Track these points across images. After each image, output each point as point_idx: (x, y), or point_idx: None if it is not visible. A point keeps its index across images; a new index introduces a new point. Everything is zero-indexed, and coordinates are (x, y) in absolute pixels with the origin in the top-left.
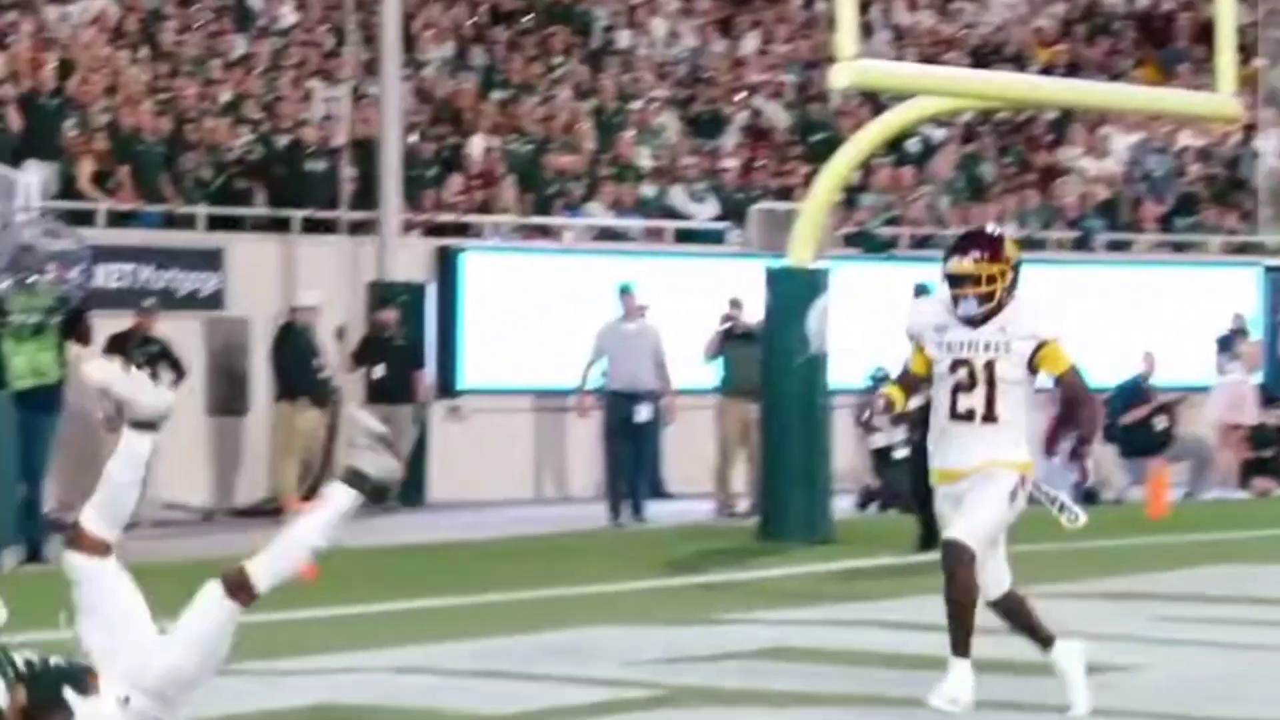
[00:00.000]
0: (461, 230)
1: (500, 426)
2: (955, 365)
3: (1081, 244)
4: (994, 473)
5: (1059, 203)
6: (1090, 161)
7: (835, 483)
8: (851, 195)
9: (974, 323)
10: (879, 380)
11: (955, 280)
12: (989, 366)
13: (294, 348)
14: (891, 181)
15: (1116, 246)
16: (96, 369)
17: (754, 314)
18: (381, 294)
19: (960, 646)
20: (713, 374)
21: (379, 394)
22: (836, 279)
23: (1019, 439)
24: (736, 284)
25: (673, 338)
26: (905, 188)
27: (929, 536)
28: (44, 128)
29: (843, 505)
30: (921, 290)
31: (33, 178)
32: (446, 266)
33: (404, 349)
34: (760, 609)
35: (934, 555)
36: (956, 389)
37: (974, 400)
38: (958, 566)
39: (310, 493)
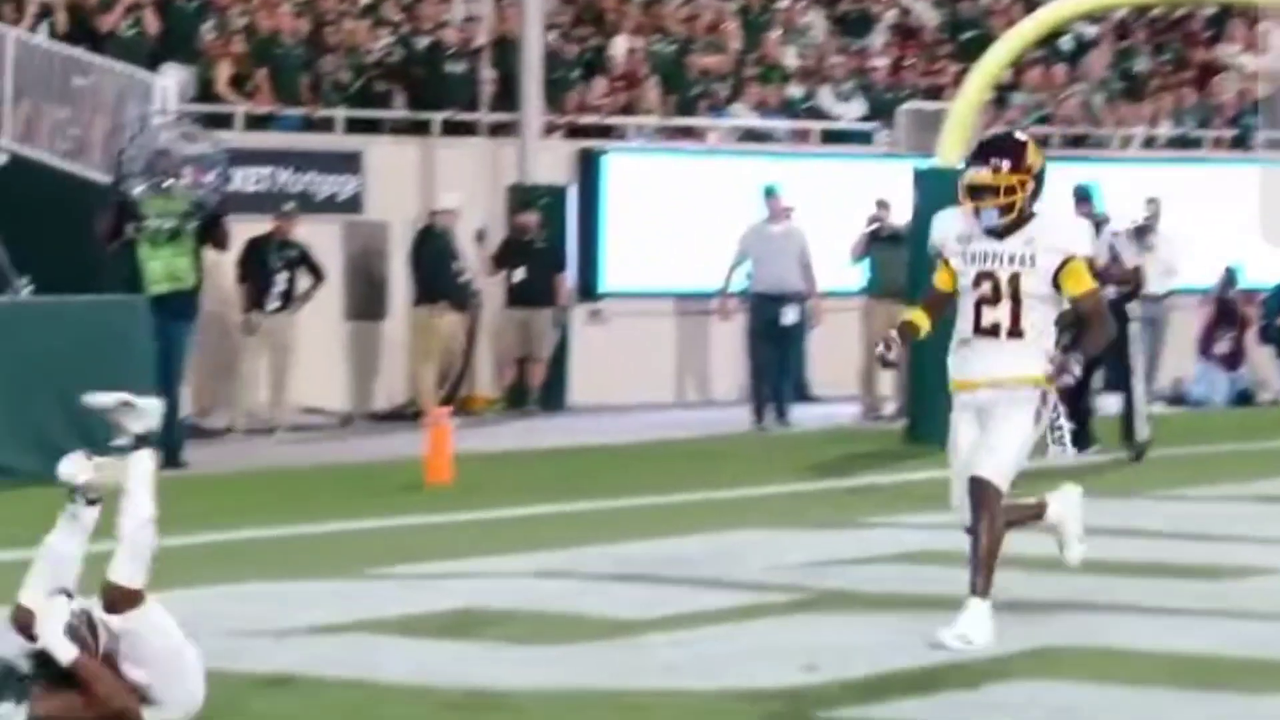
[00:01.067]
0: (604, 132)
1: (642, 330)
2: (979, 278)
3: (1239, 142)
4: (1016, 396)
5: (1216, 100)
6: (1249, 58)
7: None
8: (1002, 94)
9: (998, 234)
10: None
11: (974, 191)
12: (1014, 280)
13: (433, 251)
14: (1043, 80)
15: (1275, 144)
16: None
17: (901, 215)
18: (522, 197)
19: (980, 587)
20: (859, 276)
21: (519, 297)
22: None
23: (1041, 349)
24: (883, 185)
25: (818, 240)
26: (1057, 86)
27: (1078, 437)
28: (182, 31)
29: None
30: (1082, 193)
31: (170, 81)
32: (588, 169)
33: (544, 252)
34: (905, 513)
35: (1082, 457)
36: (980, 303)
37: (999, 314)
38: (986, 505)
39: (449, 397)
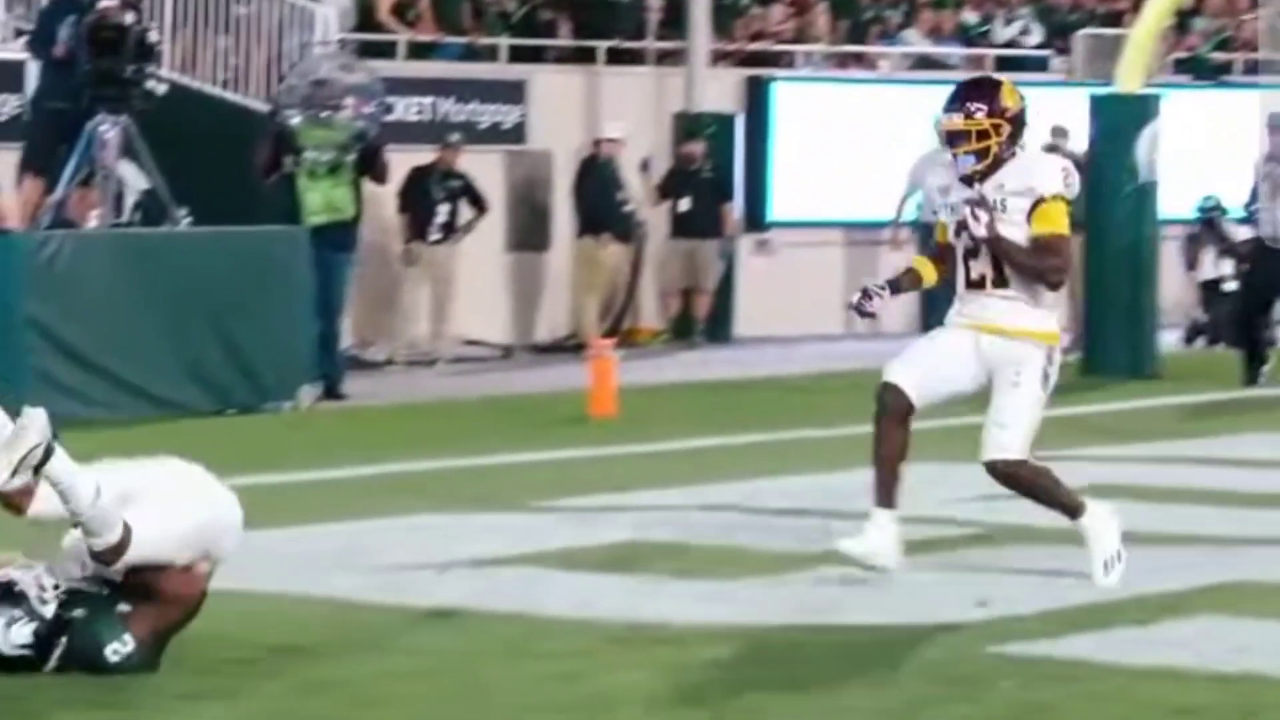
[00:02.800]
0: (773, 60)
1: (810, 261)
2: (960, 229)
3: None
4: (1023, 361)
5: None
6: None
7: (1161, 316)
8: (1183, 19)
9: (971, 181)
10: (1208, 211)
11: (949, 139)
12: (990, 228)
13: (597, 181)
14: (1225, 4)
15: None
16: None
17: (1079, 143)
18: (689, 125)
19: (1072, 508)
20: None
21: (684, 228)
22: (1165, 106)
23: (1042, 304)
24: (1060, 112)
25: None
26: (1239, 10)
27: (1251, 370)
28: None
29: (1169, 339)
30: (1277, 121)
31: (330, 10)
32: (756, 97)
33: (711, 182)
34: (1081, 446)
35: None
36: (966, 255)
37: (982, 265)
38: (1020, 482)
39: (612, 329)
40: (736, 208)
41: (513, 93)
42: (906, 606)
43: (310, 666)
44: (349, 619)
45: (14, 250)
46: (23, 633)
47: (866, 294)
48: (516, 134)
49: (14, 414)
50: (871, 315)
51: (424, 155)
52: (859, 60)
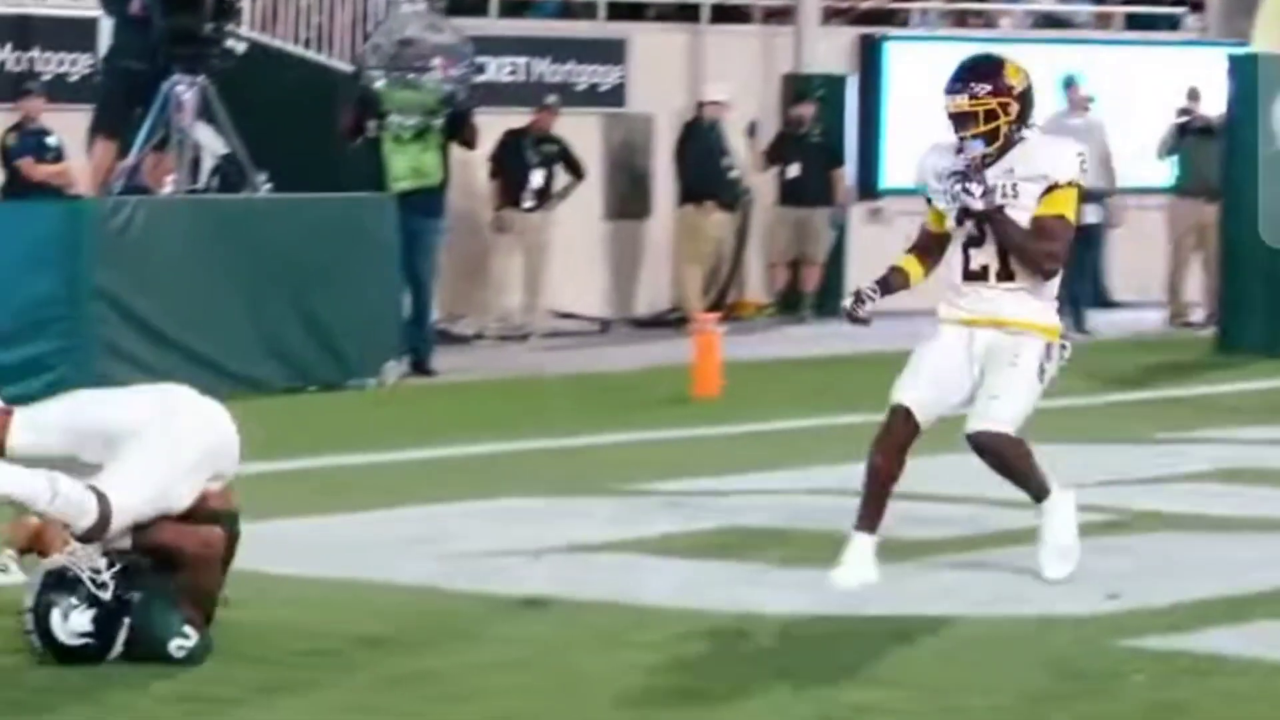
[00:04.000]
0: (886, 17)
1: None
2: (963, 216)
3: None
4: (1021, 347)
5: None
6: None
7: None
8: None
9: (979, 167)
10: None
11: (955, 122)
12: (988, 199)
13: (701, 146)
14: None
15: None
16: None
17: (1213, 106)
18: (798, 87)
19: (1041, 491)
20: (1166, 172)
21: (793, 195)
22: None
23: (1044, 296)
24: (1194, 73)
25: (1121, 133)
26: None
27: None
28: None
29: None
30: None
31: None
32: (869, 57)
33: (821, 147)
34: (1215, 427)
35: None
36: (968, 244)
37: (986, 256)
38: (1006, 457)
39: (716, 303)
40: (848, 174)
41: (612, 52)
42: (1030, 597)
43: (393, 658)
44: (434, 608)
45: (84, 217)
46: (82, 620)
47: (859, 298)
48: (615, 96)
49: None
50: (865, 322)
51: (517, 118)
52: (978, 18)
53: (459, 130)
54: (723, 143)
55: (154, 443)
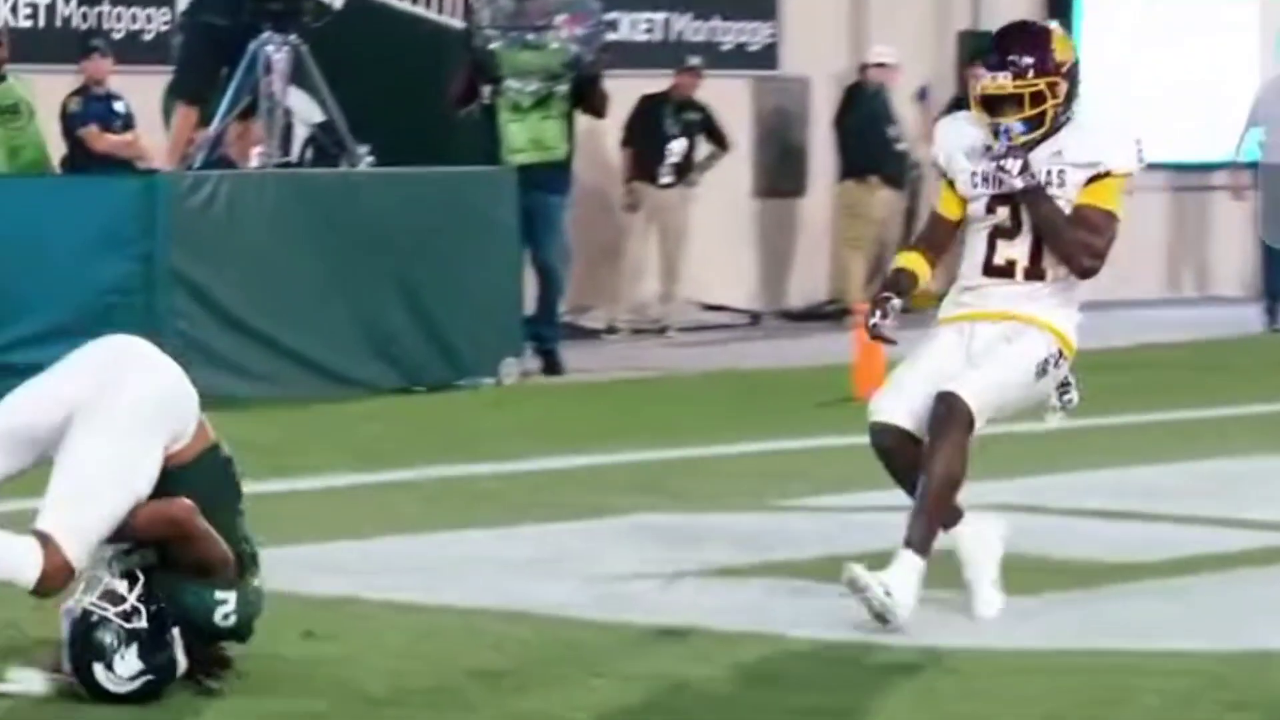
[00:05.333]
0: None
1: (1126, 210)
2: (994, 204)
3: None
4: (1026, 331)
5: None
6: None
7: None
8: None
9: (1016, 152)
10: None
11: (991, 103)
12: (1028, 176)
13: (864, 114)
14: None
15: None
16: None
17: None
18: (975, 46)
19: (918, 539)
20: None
21: None
22: None
23: (1070, 303)
24: None
25: None
26: None
27: None
28: None
29: None
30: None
31: None
32: (1058, 11)
33: None
34: None
35: None
36: (995, 235)
37: (1016, 250)
38: (950, 431)
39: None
40: None
41: (762, 7)
42: (1240, 630)
43: (512, 695)
44: (558, 638)
45: (159, 194)
46: (130, 660)
47: (883, 310)
48: (766, 57)
49: None
50: (890, 341)
51: (655, 82)
52: None
53: (586, 97)
54: (889, 110)
55: (94, 440)
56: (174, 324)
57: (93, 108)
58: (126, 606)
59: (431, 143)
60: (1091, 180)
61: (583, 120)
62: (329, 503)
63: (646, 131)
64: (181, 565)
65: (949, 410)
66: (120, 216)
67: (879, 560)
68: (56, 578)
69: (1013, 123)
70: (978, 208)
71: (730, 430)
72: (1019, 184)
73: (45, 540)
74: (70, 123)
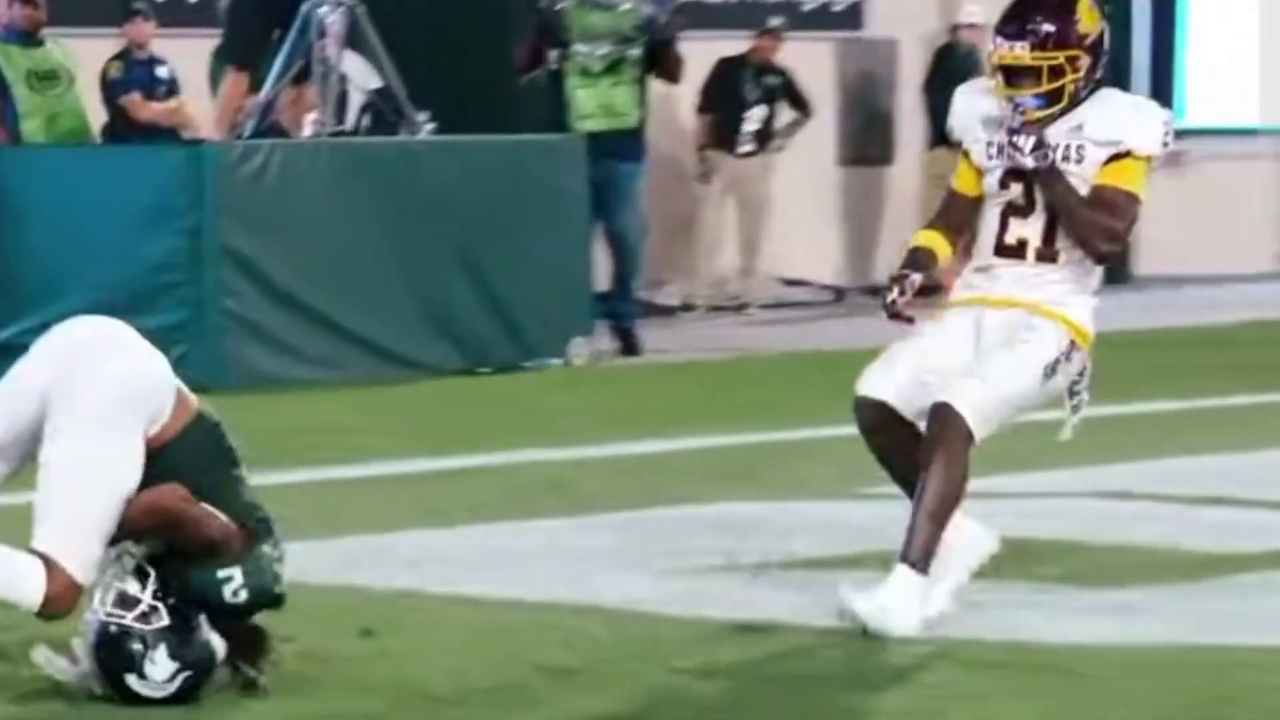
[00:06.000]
0: None
1: (1233, 179)
2: (1008, 178)
3: None
4: (1034, 328)
5: None
6: None
7: None
8: None
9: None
10: None
11: (1007, 74)
12: (1041, 156)
13: (955, 77)
14: None
15: None
16: None
17: None
18: None
19: (916, 554)
20: None
21: None
22: None
23: (1084, 289)
24: None
25: None
26: None
27: None
28: None
29: None
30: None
31: None
32: None
33: (1101, 78)
34: None
35: None
36: (1007, 212)
37: (1028, 229)
38: (946, 443)
39: None
40: None
41: None
42: None
43: (583, 694)
44: (633, 634)
45: (207, 165)
46: (162, 663)
47: (901, 288)
48: (852, 17)
49: (196, 388)
50: (909, 320)
51: (733, 45)
52: None
53: (660, 61)
54: (981, 73)
55: (71, 441)
56: (223, 302)
57: (135, 74)
58: (143, 606)
59: (495, 110)
60: (1112, 159)
61: (656, 86)
62: (388, 491)
63: (724, 97)
64: (185, 551)
65: (944, 425)
66: (165, 189)
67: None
68: (64, 599)
69: (1027, 98)
70: (992, 182)
71: (814, 414)
72: (1029, 164)
73: (46, 561)
74: (111, 90)
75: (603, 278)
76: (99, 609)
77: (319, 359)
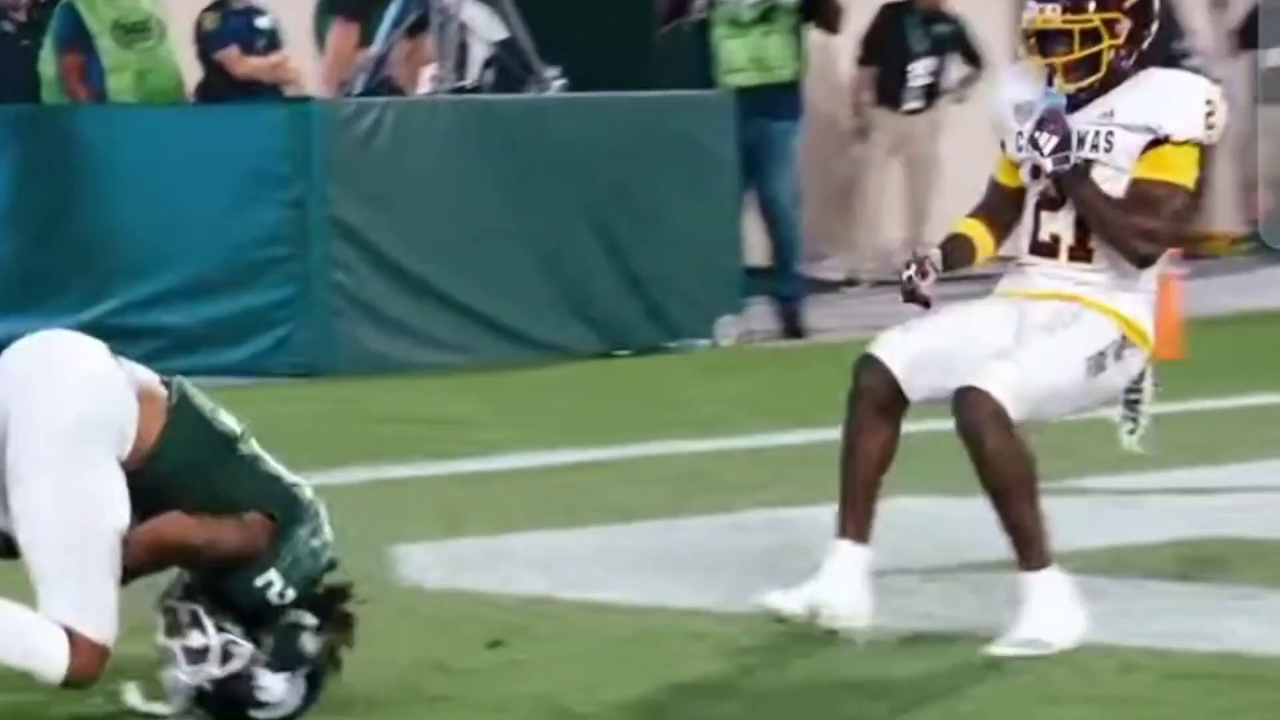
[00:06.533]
0: None
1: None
2: (1037, 170)
3: None
4: (1079, 315)
5: None
6: None
7: None
8: None
9: (1072, 103)
10: None
11: (1039, 41)
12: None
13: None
14: None
15: None
16: None
17: None
18: None
19: (1038, 556)
20: None
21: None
22: None
23: (1136, 288)
24: None
25: None
26: None
27: None
28: None
29: None
30: None
31: None
32: None
33: None
34: None
35: None
36: (1040, 205)
37: (1059, 224)
38: (983, 432)
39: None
40: None
41: None
42: None
43: (736, 710)
44: (790, 643)
45: (313, 125)
46: (272, 687)
47: (920, 266)
48: None
49: (302, 372)
50: (925, 303)
51: None
52: None
53: (817, 9)
54: (1176, 21)
55: (43, 489)
56: (331, 277)
57: (233, 25)
58: (215, 647)
59: (633, 64)
60: (1150, 148)
61: (813, 36)
62: (514, 487)
63: (888, 48)
64: (214, 572)
65: (971, 408)
66: (267, 153)
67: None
68: (90, 668)
69: (1057, 61)
70: (1024, 173)
71: None
72: (1048, 166)
73: (72, 637)
74: (207, 43)
75: (754, 250)
76: (181, 678)
77: (438, 341)
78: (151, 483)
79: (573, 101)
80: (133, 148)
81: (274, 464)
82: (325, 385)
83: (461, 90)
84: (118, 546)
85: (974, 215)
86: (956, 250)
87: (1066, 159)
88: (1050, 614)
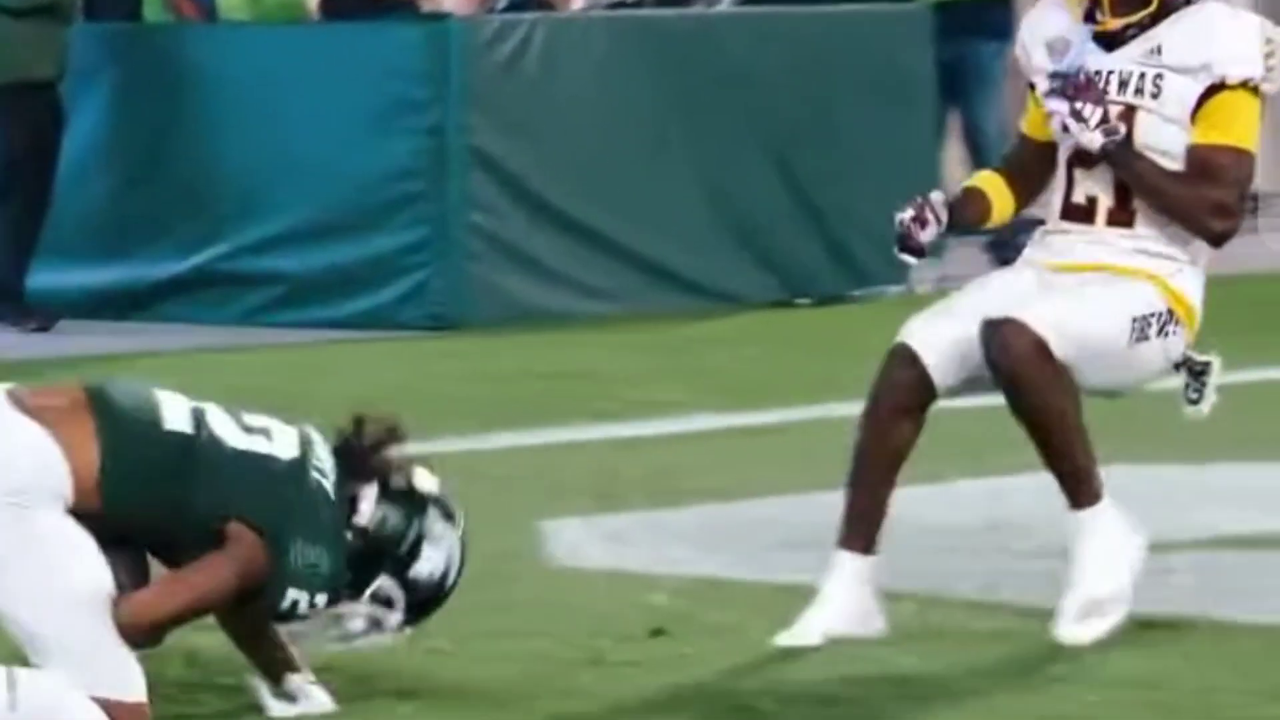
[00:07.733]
0: None
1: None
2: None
3: None
4: (1121, 278)
5: None
6: None
7: None
8: None
9: (1109, 41)
10: None
11: None
12: (1125, 120)
13: None
14: None
15: None
16: None
17: None
18: None
19: (1089, 492)
20: None
21: None
22: None
23: (1183, 256)
24: None
25: None
26: None
27: None
28: None
29: None
30: None
31: None
32: None
33: None
34: None
35: None
36: (1073, 161)
37: (1097, 183)
38: (1019, 363)
39: None
40: None
41: None
42: None
43: (942, 710)
44: (998, 631)
45: (452, 45)
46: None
47: (918, 211)
48: None
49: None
50: (918, 253)
51: None
52: None
53: None
54: None
55: (16, 586)
56: (471, 218)
57: None
58: (361, 609)
59: None
60: (1205, 99)
61: None
62: (682, 453)
63: None
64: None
65: (1011, 337)
66: (399, 77)
67: None
68: (128, 694)
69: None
70: (1055, 123)
71: (1237, 353)
72: (1097, 142)
73: (102, 703)
74: None
75: (954, 185)
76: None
77: (590, 288)
78: (113, 514)
79: (747, 17)
80: (245, 71)
81: (241, 436)
82: (462, 339)
83: (620, 4)
84: (108, 602)
85: (997, 170)
86: (968, 204)
87: (1116, 131)
88: (1104, 560)
